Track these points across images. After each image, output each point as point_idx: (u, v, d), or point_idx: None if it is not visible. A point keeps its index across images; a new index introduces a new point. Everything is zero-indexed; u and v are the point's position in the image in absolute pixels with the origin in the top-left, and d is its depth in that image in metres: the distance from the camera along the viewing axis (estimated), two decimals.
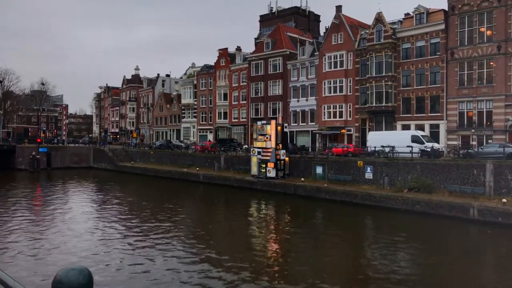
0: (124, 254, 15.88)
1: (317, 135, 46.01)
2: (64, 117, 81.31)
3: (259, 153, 34.58)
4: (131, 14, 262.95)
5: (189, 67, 79.05)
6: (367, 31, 42.05)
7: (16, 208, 25.82)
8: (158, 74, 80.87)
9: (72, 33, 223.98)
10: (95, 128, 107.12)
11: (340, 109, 43.77)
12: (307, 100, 47.69)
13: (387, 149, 30.50)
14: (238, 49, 59.46)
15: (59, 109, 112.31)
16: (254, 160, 35.08)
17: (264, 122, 36.66)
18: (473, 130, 34.54)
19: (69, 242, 17.68)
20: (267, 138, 34.32)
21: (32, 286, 12.00)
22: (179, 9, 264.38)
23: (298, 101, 48.61)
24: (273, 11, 75.92)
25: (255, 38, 72.75)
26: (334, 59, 44.49)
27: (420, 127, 37.41)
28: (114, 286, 12.48)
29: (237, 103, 56.93)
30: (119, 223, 21.88)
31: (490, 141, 32.91)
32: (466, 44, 35.32)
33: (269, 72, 52.12)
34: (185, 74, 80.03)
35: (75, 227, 20.68)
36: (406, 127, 38.42)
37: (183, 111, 68.21)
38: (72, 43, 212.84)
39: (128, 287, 12.55)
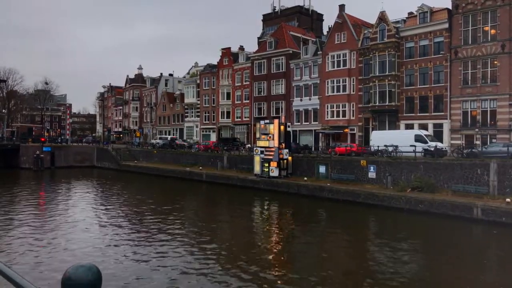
0: (131, 251, 15.97)
1: (320, 134, 45.94)
2: (68, 116, 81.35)
3: (262, 152, 34.59)
4: (133, 13, 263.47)
5: (192, 66, 79.13)
6: (370, 30, 41.92)
7: (22, 207, 25.96)
8: (161, 74, 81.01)
9: (74, 32, 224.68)
10: (99, 128, 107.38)
11: (343, 109, 43.69)
12: (310, 99, 47.63)
13: (390, 149, 30.44)
14: (241, 48, 59.44)
15: (62, 108, 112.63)
16: (257, 159, 35.10)
17: (267, 121, 36.69)
18: (476, 130, 34.39)
19: (76, 239, 17.79)
20: (270, 137, 34.32)
21: (41, 283, 12.07)
22: (181, 8, 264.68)
23: (301, 100, 48.55)
24: (276, 10, 75.83)
25: (258, 38, 72.71)
26: (337, 58, 44.41)
27: (424, 127, 37.29)
28: (122, 283, 12.56)
29: (240, 102, 56.93)
30: (124, 222, 21.97)
31: (494, 140, 32.78)
32: (470, 43, 35.15)
33: (272, 72, 52.08)
34: (188, 73, 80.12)
35: (81, 225, 20.79)
36: (409, 127, 38.31)
37: (186, 111, 68.29)
38: (74, 42, 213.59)
39: (135, 284, 12.61)
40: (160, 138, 62.98)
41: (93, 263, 1.69)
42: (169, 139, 60.50)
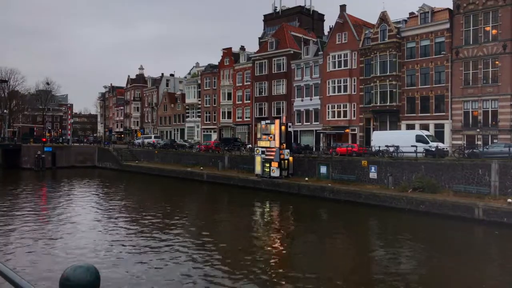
0: (130, 252, 15.98)
1: (321, 134, 45.93)
2: (69, 117, 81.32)
3: (263, 152, 34.59)
4: (134, 13, 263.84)
5: (193, 66, 79.23)
6: (372, 31, 41.89)
7: (23, 207, 25.99)
8: (162, 74, 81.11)
9: (75, 32, 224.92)
10: (100, 128, 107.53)
11: (344, 109, 43.66)
12: (311, 99, 47.62)
13: (391, 149, 30.42)
14: (242, 48, 59.47)
15: (64, 108, 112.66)
16: (258, 159, 35.11)
17: (268, 121, 36.68)
18: (478, 130, 34.33)
19: (75, 240, 17.80)
20: (271, 137, 34.32)
21: (39, 283, 12.08)
22: (181, 8, 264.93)
23: (302, 100, 48.54)
24: (277, 11, 75.87)
25: (259, 38, 72.77)
26: (338, 58, 44.38)
27: (425, 127, 37.24)
28: (121, 284, 12.55)
29: (241, 102, 56.94)
30: (124, 222, 21.98)
31: (495, 140, 32.72)
32: (471, 43, 35.10)
33: (273, 72, 52.08)
34: (189, 73, 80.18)
35: (81, 226, 20.81)
36: (410, 127, 38.26)
37: (187, 111, 68.34)
38: (75, 42, 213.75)
39: (134, 285, 12.61)
40: (144, 138, 64.90)
41: (91, 263, 1.69)
42: (153, 138, 62.43)
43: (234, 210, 27.31)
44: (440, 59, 37.00)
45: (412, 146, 29.30)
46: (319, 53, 47.27)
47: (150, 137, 65.59)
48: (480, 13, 34.41)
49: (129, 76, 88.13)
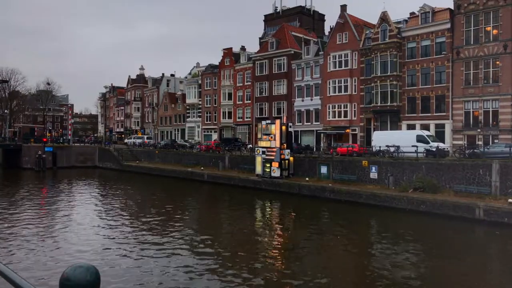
0: (130, 252, 15.96)
1: (322, 134, 45.92)
2: (70, 117, 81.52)
3: (263, 152, 34.60)
4: (134, 13, 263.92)
5: (194, 66, 79.29)
6: (372, 31, 41.87)
7: (23, 207, 26.01)
8: (163, 74, 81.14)
9: (75, 32, 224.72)
10: (100, 128, 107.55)
11: (345, 109, 43.64)
12: (311, 99, 47.61)
13: (392, 149, 30.40)
14: (243, 48, 59.49)
15: (64, 108, 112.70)
16: (258, 159, 35.11)
17: (269, 121, 36.69)
18: (479, 130, 34.31)
19: (75, 240, 17.81)
20: (271, 137, 34.34)
21: (39, 283, 12.09)
22: (181, 8, 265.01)
23: (302, 100, 48.54)
24: (277, 11, 75.89)
25: (259, 38, 72.77)
26: (339, 58, 44.36)
27: (426, 127, 37.23)
28: (121, 284, 12.55)
29: (241, 102, 56.95)
30: (125, 222, 21.99)
31: (496, 141, 32.69)
32: (472, 43, 35.08)
33: (273, 72, 52.08)
34: (189, 73, 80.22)
35: (81, 226, 20.83)
36: (411, 127, 38.24)
37: (187, 111, 68.36)
38: (75, 42, 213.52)
39: (134, 285, 12.60)
40: (135, 138, 65.72)
41: (92, 263, 1.69)
42: (145, 138, 63.34)
43: (234, 210, 27.30)
44: (441, 59, 36.98)
45: (412, 146, 29.30)
46: (320, 53, 47.26)
47: (142, 138, 66.07)
48: (480, 13, 34.39)
49: (129, 76, 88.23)
